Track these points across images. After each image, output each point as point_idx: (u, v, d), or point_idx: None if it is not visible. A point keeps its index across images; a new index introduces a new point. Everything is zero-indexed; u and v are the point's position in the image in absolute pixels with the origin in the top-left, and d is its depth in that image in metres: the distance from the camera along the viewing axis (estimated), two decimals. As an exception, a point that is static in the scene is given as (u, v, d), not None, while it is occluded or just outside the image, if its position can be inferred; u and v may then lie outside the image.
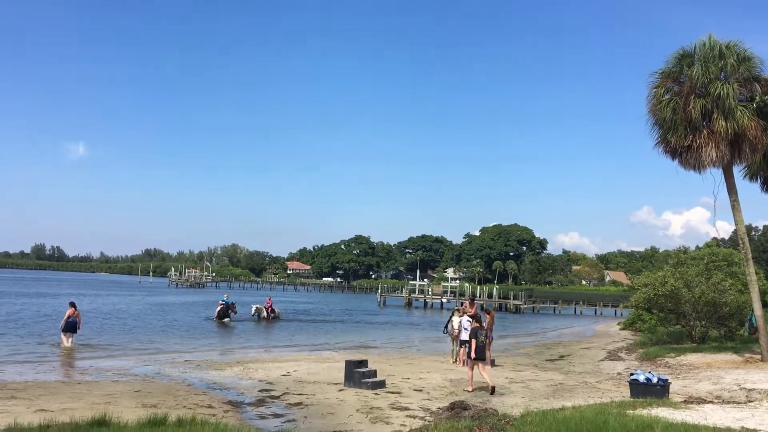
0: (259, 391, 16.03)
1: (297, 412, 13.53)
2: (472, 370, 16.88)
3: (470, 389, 16.62)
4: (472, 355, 16.45)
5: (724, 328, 28.95)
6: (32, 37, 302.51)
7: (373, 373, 17.00)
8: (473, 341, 16.53)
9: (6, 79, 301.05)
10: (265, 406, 14.19)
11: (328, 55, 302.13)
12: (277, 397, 15.19)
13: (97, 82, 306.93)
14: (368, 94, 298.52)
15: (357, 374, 16.58)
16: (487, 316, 22.53)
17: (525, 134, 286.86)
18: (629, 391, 14.97)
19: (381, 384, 16.61)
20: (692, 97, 21.20)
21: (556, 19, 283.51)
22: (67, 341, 24.43)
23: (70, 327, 24.65)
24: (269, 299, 48.98)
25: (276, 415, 13.26)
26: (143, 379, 17.35)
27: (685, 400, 14.14)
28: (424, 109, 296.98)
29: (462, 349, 21.32)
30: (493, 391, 16.09)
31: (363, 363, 17.37)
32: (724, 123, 20.71)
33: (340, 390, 16.14)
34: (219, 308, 42.52)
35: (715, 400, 14.56)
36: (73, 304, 25.25)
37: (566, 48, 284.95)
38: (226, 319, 41.67)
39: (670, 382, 15.15)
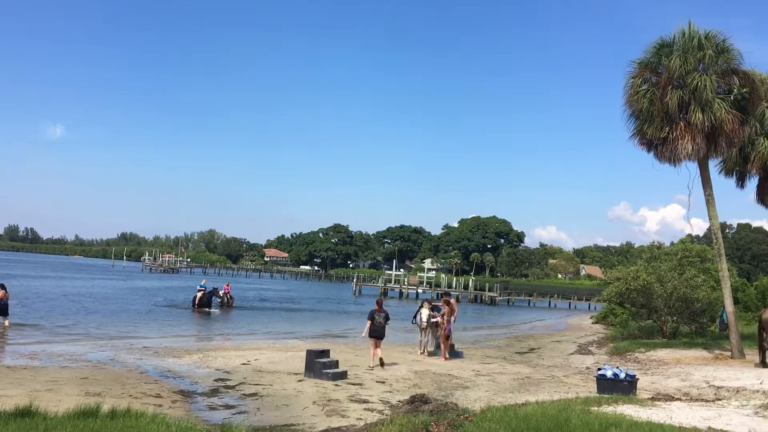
0: (215, 380, 15.39)
1: (250, 404, 12.93)
2: (373, 348, 18.76)
3: (372, 365, 18.35)
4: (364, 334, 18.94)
5: (695, 324, 28.79)
6: (10, 16, 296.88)
7: (335, 364, 16.42)
8: (369, 322, 18.73)
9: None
10: (218, 397, 13.57)
11: (311, 42, 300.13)
12: (232, 387, 14.58)
13: (76, 63, 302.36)
14: (349, 83, 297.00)
15: (318, 364, 15.99)
16: (445, 306, 22.15)
17: (505, 126, 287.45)
18: (596, 386, 14.57)
19: (342, 375, 16.05)
20: (670, 88, 20.82)
21: (536, 10, 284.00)
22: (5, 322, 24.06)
23: (2, 309, 24.15)
24: (227, 284, 44.75)
25: (227, 406, 12.65)
26: (94, 366, 16.60)
27: (652, 397, 13.76)
28: (405, 99, 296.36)
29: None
30: (381, 363, 18.28)
31: (325, 353, 16.78)
32: (701, 115, 20.35)
33: (300, 381, 15.57)
34: (199, 295, 39.28)
35: (683, 398, 14.20)
36: (2, 286, 24.65)
37: (546, 38, 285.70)
38: (208, 309, 38.41)
39: (638, 378, 14.77)
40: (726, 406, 12.37)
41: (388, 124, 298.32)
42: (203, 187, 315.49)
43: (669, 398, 13.84)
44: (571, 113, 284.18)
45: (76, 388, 13.02)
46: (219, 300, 41.65)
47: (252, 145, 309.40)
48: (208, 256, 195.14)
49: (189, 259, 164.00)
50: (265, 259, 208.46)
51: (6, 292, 24.53)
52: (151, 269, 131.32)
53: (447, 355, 21.41)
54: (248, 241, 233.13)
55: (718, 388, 15.54)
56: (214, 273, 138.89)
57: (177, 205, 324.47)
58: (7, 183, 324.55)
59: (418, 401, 12.60)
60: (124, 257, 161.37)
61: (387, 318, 19.06)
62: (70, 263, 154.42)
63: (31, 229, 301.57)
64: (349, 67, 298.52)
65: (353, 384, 15.40)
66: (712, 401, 13.47)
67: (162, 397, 12.91)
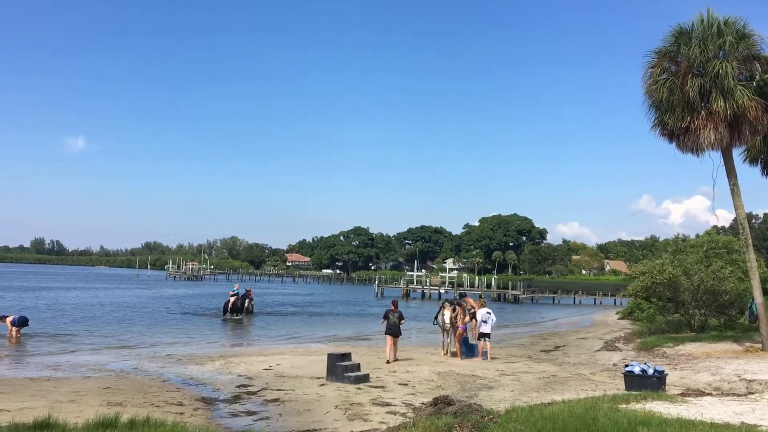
0: (237, 386, 15.31)
1: (272, 409, 12.82)
2: (388, 344, 19.97)
3: (388, 359, 19.59)
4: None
5: (723, 317, 28.20)
6: (31, 31, 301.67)
7: (357, 367, 16.28)
8: (384, 320, 20.14)
9: (5, 72, 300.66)
10: (240, 403, 13.48)
11: (324, 46, 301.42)
12: (254, 393, 14.49)
13: (95, 76, 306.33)
14: (365, 85, 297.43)
15: (339, 368, 15.87)
16: (458, 307, 22.00)
17: (523, 123, 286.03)
18: (624, 383, 14.25)
19: (364, 378, 15.89)
20: (690, 76, 20.36)
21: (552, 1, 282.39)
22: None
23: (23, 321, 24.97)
24: (250, 290, 42.63)
25: (249, 413, 12.55)
26: (117, 375, 16.62)
27: (682, 393, 13.43)
28: (421, 100, 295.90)
29: (482, 342, 21.49)
30: (389, 361, 19.37)
31: (346, 356, 16.65)
32: (723, 103, 19.88)
33: (322, 385, 15.44)
34: (232, 300, 38.12)
35: (714, 392, 13.85)
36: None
37: (560, 31, 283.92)
38: (239, 315, 37.50)
39: (667, 374, 14.42)
40: (759, 400, 12.01)
41: (406, 125, 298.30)
42: (225, 195, 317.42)
43: (699, 393, 13.49)
44: (588, 106, 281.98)
45: (98, 398, 12.99)
46: (251, 303, 40.46)
47: (272, 152, 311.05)
48: (231, 263, 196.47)
49: (212, 266, 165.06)
50: (287, 263, 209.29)
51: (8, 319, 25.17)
52: (175, 277, 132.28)
53: (461, 355, 21.49)
54: (270, 247, 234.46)
55: (750, 381, 15.14)
56: (237, 279, 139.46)
57: (200, 212, 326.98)
58: (32, 197, 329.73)
59: (441, 403, 12.37)
60: (149, 266, 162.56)
61: (401, 317, 20.27)
62: (96, 274, 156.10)
63: (57, 241, 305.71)
64: (364, 70, 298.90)
65: (375, 387, 15.23)
66: (744, 395, 13.11)
67: (184, 405, 12.84)
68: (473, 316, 22.94)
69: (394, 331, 19.98)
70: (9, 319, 24.71)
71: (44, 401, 12.49)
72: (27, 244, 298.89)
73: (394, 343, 20.07)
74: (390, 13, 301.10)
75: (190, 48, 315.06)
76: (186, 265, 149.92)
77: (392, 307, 20.41)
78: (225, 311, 38.33)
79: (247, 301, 40.06)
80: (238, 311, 37.96)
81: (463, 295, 26.23)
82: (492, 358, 21.43)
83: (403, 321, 20.49)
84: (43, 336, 25.87)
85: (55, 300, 50.68)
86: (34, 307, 40.95)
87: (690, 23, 20.98)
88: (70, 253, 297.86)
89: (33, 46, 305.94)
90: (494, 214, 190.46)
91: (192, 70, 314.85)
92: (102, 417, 9.10)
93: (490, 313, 21.58)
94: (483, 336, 21.42)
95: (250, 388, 15.06)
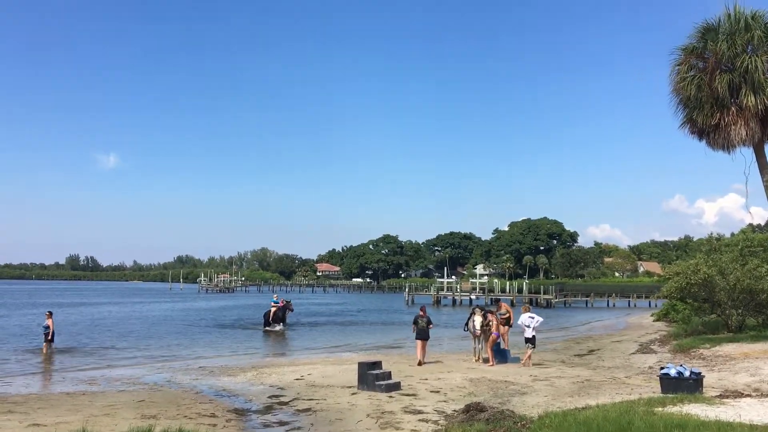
0: (269, 397, 15.35)
1: (304, 419, 12.82)
2: (418, 348, 21.14)
3: (420, 361, 20.69)
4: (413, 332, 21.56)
5: (762, 316, 27.56)
6: (59, 48, 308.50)
7: (388, 375, 16.21)
8: (414, 326, 21.30)
9: (39, 91, 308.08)
10: (272, 414, 13.49)
11: (345, 54, 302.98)
12: (286, 404, 14.50)
13: (125, 93, 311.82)
14: (389, 92, 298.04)
15: (371, 376, 15.81)
16: (490, 315, 21.78)
17: (550, 126, 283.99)
18: (660, 386, 13.99)
19: (396, 386, 15.82)
20: (718, 72, 20.07)
21: (577, 3, 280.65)
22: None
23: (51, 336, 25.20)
24: (284, 301, 40.01)
25: (281, 423, 12.56)
26: (151, 388, 16.79)
27: (720, 395, 13.14)
28: (448, 105, 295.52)
29: (528, 349, 21.04)
30: (420, 363, 20.50)
31: (377, 364, 16.59)
32: (753, 98, 19.56)
33: (353, 394, 15.41)
34: (273, 311, 37.63)
35: (753, 393, 13.54)
36: (50, 314, 25.70)
37: (588, 32, 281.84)
38: (279, 327, 36.90)
39: (704, 376, 14.13)
40: (801, 401, 11.70)
41: (431, 131, 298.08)
42: (254, 207, 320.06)
43: (738, 395, 13.19)
44: (615, 108, 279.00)
45: (133, 412, 13.12)
46: (291, 312, 39.93)
47: (298, 163, 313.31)
48: (262, 274, 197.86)
49: (243, 278, 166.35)
50: (318, 273, 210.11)
51: (52, 320, 25.42)
52: (207, 290, 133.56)
53: (493, 361, 21.15)
54: (300, 257, 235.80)
55: (791, 382, 14.76)
56: (268, 290, 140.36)
57: (230, 225, 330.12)
58: (66, 214, 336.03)
59: (473, 410, 12.28)
60: (181, 280, 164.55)
61: (429, 322, 21.36)
62: (130, 288, 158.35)
63: (91, 257, 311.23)
64: (390, 77, 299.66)
65: (407, 395, 15.16)
66: (786, 396, 12.78)
67: (216, 417, 12.91)
68: (506, 321, 22.75)
69: (423, 336, 21.15)
70: (50, 321, 25.00)
71: (80, 415, 12.65)
72: (62, 261, 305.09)
73: (424, 347, 21.19)
74: (408, 17, 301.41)
75: (213, 62, 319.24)
76: (218, 277, 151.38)
77: (421, 313, 21.49)
78: (266, 323, 38.22)
79: (292, 308, 40.13)
80: (280, 321, 37.67)
81: (497, 301, 25.98)
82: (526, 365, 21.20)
83: (431, 326, 21.57)
84: (78, 351, 26.28)
85: (91, 315, 51.48)
86: (71, 322, 41.61)
87: (716, 19, 20.74)
88: (105, 268, 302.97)
89: (63, 64, 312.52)
90: (524, 218, 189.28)
91: (222, 86, 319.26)
92: (135, 429, 9.19)
93: (533, 318, 20.84)
94: (526, 341, 21.05)
95: (282, 399, 15.09)
